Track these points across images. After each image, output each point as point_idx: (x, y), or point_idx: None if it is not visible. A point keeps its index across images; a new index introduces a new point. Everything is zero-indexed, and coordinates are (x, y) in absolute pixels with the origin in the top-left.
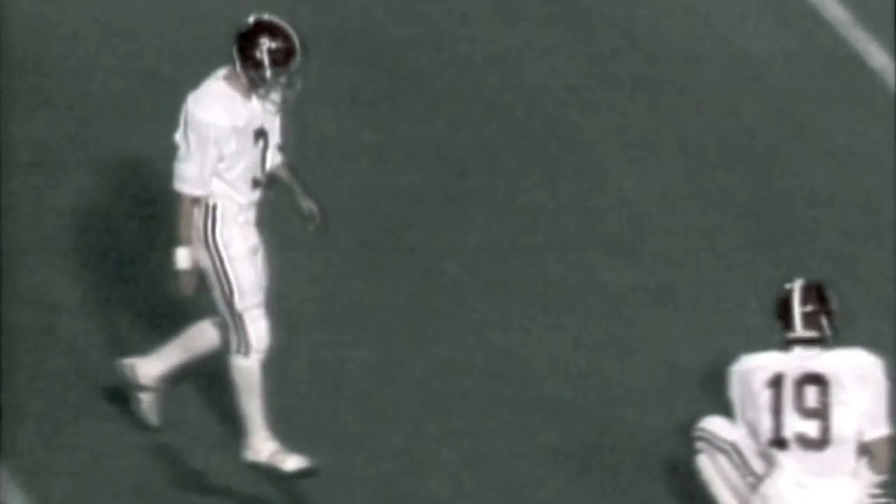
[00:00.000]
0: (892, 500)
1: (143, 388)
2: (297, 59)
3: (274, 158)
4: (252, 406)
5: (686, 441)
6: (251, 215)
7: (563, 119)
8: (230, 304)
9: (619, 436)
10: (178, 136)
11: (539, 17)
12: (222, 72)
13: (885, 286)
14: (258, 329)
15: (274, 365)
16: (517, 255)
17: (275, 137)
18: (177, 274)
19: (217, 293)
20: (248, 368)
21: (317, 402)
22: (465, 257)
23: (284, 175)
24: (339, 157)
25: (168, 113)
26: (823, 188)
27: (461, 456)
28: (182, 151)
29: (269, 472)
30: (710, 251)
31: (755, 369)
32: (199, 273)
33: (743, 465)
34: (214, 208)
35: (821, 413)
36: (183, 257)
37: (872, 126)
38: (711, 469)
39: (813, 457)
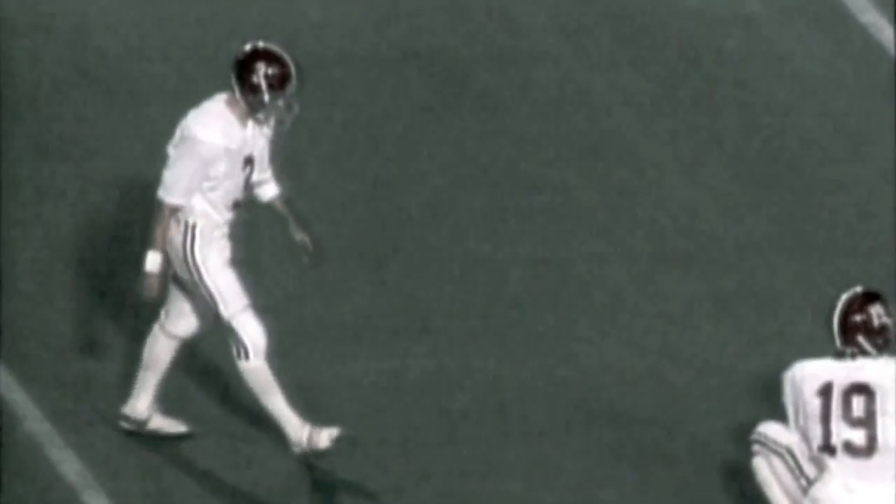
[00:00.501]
0: None
1: (148, 422)
2: (294, 83)
3: (271, 190)
4: (275, 403)
5: (743, 444)
6: (226, 231)
7: (624, 136)
8: (217, 314)
9: (678, 439)
10: (172, 147)
11: (603, 38)
12: (222, 96)
13: None
14: (251, 331)
15: (348, 372)
16: (580, 266)
17: (264, 166)
18: (143, 276)
19: (209, 298)
20: (255, 370)
21: (387, 406)
22: (529, 268)
23: (280, 207)
24: (412, 170)
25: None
26: (876, 202)
27: (529, 457)
28: (171, 161)
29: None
30: (765, 261)
31: (806, 377)
32: (165, 280)
33: (796, 469)
34: (194, 227)
35: (867, 422)
36: (153, 261)
37: None
38: (767, 471)
39: (860, 463)
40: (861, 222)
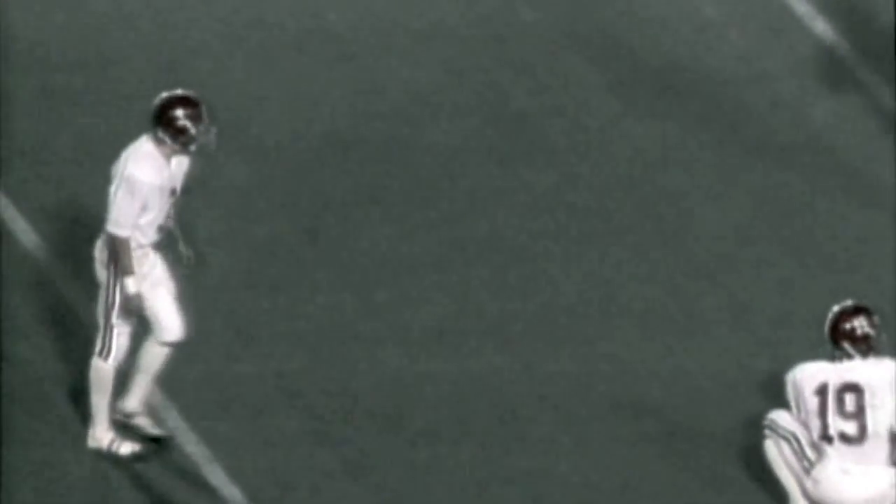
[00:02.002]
0: None
1: (134, 415)
2: (205, 111)
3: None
4: (101, 401)
5: (756, 431)
6: (149, 249)
7: (658, 171)
8: (108, 315)
9: (702, 426)
10: (113, 188)
11: (638, 87)
12: (148, 139)
13: None
14: (121, 343)
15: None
16: (620, 280)
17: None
18: (126, 298)
19: (101, 303)
20: (104, 370)
21: (458, 400)
22: (580, 284)
23: (173, 227)
24: (480, 203)
25: None
26: (869, 226)
27: (575, 441)
28: (114, 200)
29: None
30: (774, 278)
31: (806, 378)
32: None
33: (800, 452)
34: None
35: (858, 415)
36: (131, 284)
37: None
38: (775, 453)
39: (853, 449)
40: (855, 245)
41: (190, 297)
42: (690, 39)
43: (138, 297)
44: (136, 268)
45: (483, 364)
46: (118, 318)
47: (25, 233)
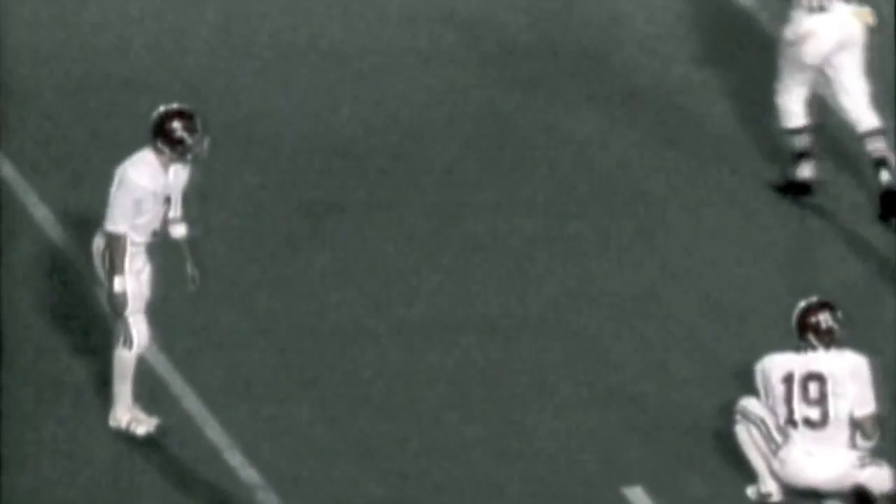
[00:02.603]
0: (875, 459)
1: (135, 421)
2: (201, 127)
3: (179, 231)
4: (123, 386)
5: (728, 416)
6: (142, 248)
7: (638, 178)
8: (114, 310)
9: (679, 412)
10: (113, 190)
11: (619, 101)
12: (148, 149)
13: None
14: (140, 330)
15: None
16: (604, 280)
17: (178, 206)
18: (113, 296)
19: (106, 301)
20: (127, 359)
21: (456, 392)
22: (566, 282)
23: (182, 244)
24: (474, 207)
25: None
26: (827, 226)
27: (563, 425)
28: (113, 200)
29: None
30: (743, 276)
31: (773, 368)
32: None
33: (768, 435)
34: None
35: (820, 402)
36: (120, 283)
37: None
38: (746, 436)
39: (816, 433)
40: (820, 245)
41: (209, 292)
42: (668, 56)
43: (124, 296)
44: (128, 265)
45: (478, 355)
46: (132, 306)
47: (49, 222)
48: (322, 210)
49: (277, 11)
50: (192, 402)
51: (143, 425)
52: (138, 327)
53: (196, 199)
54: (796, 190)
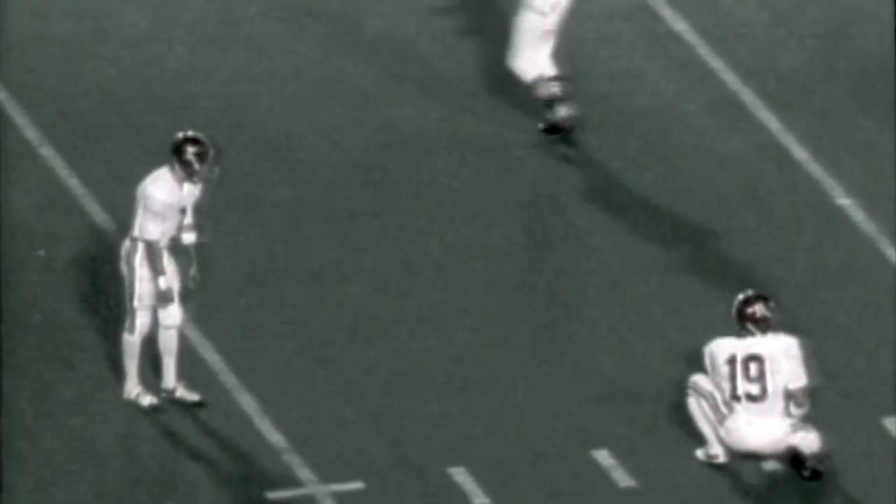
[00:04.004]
0: (805, 425)
1: (175, 389)
2: (211, 153)
3: (190, 237)
4: (131, 364)
5: (682, 391)
6: (164, 251)
7: (610, 188)
8: (130, 300)
9: (640, 388)
10: (139, 205)
11: (588, 129)
12: (166, 167)
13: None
14: (142, 322)
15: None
16: (581, 278)
17: (190, 218)
18: (162, 293)
19: (126, 291)
20: (131, 342)
21: (454, 372)
22: (550, 281)
23: (190, 250)
24: (470, 214)
25: None
26: (775, 239)
27: (542, 397)
28: (139, 213)
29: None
30: (697, 274)
31: (719, 351)
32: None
33: (715, 407)
34: (139, 245)
35: (760, 379)
36: (163, 282)
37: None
38: (696, 408)
39: (756, 406)
40: (758, 249)
41: (244, 285)
42: (628, 89)
43: (170, 291)
44: (165, 265)
45: (467, 339)
46: (138, 303)
47: (99, 214)
48: (339, 216)
49: (299, 48)
50: (227, 378)
51: (148, 397)
52: (142, 319)
53: (235, 208)
54: (556, 130)
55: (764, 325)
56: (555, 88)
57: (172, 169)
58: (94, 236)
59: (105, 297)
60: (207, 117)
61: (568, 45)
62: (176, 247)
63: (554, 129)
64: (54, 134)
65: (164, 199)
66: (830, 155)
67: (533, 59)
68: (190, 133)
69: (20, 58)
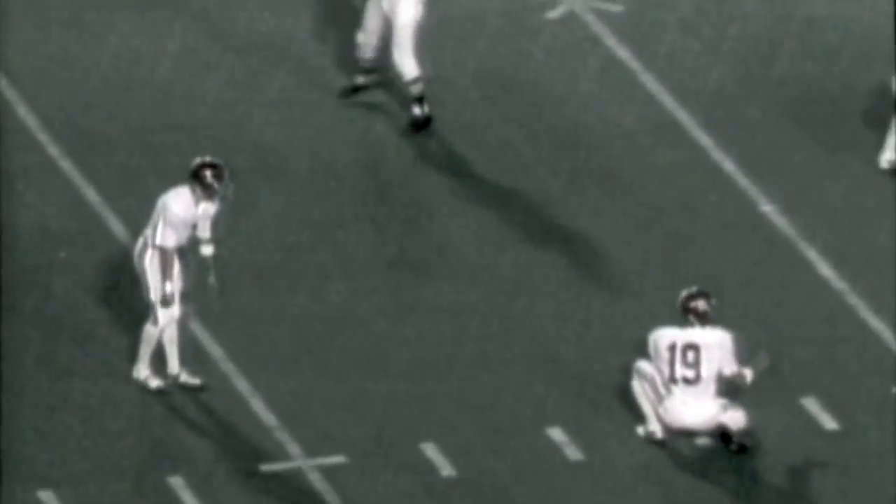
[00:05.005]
0: (733, 405)
1: (179, 375)
2: (227, 175)
3: (207, 250)
4: (146, 351)
5: (627, 374)
6: (176, 257)
7: (568, 196)
8: (148, 295)
9: (590, 371)
10: (159, 216)
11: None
12: (185, 186)
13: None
14: (164, 315)
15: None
16: (542, 275)
17: (206, 229)
18: (164, 294)
19: (144, 287)
20: (151, 332)
21: (428, 364)
22: (512, 277)
23: (208, 260)
24: (433, 216)
25: None
26: (715, 246)
27: (501, 380)
28: (158, 224)
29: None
30: (643, 274)
31: (661, 338)
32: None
33: (655, 389)
34: (154, 251)
35: (695, 365)
36: (169, 285)
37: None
38: (639, 389)
39: (691, 388)
40: (702, 253)
41: (242, 283)
42: (576, 111)
43: (172, 295)
44: (175, 271)
45: (440, 331)
46: (156, 297)
47: (112, 220)
48: (324, 220)
49: (286, 72)
50: (226, 365)
51: (156, 381)
52: (162, 315)
53: (231, 214)
54: (420, 126)
55: (703, 319)
56: (422, 87)
57: (191, 188)
58: (107, 240)
59: (118, 293)
60: (212, 132)
61: (524, 71)
62: (183, 251)
63: (418, 125)
64: (73, 150)
65: (181, 214)
66: (755, 167)
67: (414, 58)
68: (208, 158)
69: (45, 87)
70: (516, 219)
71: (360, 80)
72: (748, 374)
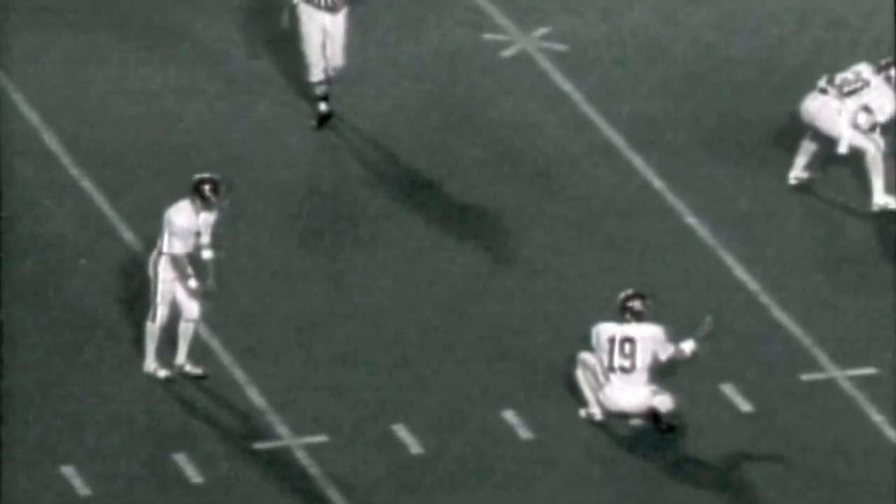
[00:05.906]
0: (661, 390)
1: (184, 365)
2: (223, 189)
3: (207, 254)
4: (151, 345)
5: (572, 363)
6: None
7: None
8: (154, 297)
9: (540, 361)
10: (165, 228)
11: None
12: (186, 199)
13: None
14: (162, 314)
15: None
16: (509, 273)
17: (207, 235)
18: (191, 292)
19: (152, 290)
20: (152, 329)
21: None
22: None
23: (209, 264)
24: (395, 224)
25: None
26: (670, 250)
27: (461, 369)
28: (165, 235)
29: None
30: (594, 275)
31: (602, 332)
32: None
33: (596, 377)
34: (164, 256)
35: (631, 356)
36: (192, 283)
37: None
38: (582, 377)
39: (627, 376)
40: (647, 259)
41: (236, 283)
42: (524, 136)
43: (198, 290)
44: (189, 271)
45: (415, 326)
46: (160, 299)
47: (128, 233)
48: (311, 230)
49: (272, 96)
50: (224, 357)
51: (163, 371)
52: (162, 311)
53: (228, 223)
54: (324, 120)
55: (639, 316)
56: (323, 88)
57: (193, 201)
58: (122, 250)
59: (132, 297)
60: (210, 155)
61: (481, 102)
62: (193, 258)
63: (322, 121)
64: (92, 170)
65: (184, 224)
66: (680, 185)
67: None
68: (206, 174)
69: (66, 116)
70: (472, 228)
71: (323, 107)
72: (687, 347)
